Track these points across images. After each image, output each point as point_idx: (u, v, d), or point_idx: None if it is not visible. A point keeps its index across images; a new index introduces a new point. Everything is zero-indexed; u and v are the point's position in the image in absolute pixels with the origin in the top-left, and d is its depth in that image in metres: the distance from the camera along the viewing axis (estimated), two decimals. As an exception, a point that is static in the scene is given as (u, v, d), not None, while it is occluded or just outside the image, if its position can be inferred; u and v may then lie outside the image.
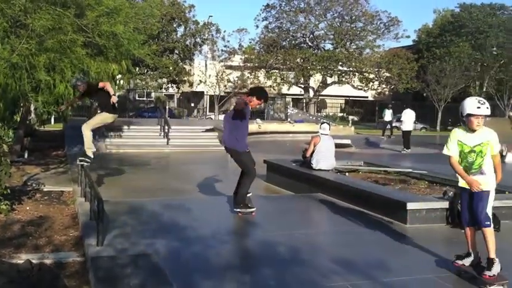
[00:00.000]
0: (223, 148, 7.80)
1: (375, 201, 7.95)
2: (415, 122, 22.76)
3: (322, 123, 10.76)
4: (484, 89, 43.39)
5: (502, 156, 18.12)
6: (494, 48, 43.00)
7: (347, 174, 11.18)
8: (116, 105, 9.23)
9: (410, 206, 7.22)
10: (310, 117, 34.01)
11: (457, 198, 7.25)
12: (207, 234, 6.44)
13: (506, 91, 41.55)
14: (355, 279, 4.88)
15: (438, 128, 41.88)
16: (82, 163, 8.85)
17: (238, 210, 7.37)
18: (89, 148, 9.13)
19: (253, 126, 25.77)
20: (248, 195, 7.52)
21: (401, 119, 21.51)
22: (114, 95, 9.14)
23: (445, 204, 7.35)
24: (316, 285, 4.75)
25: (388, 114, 27.86)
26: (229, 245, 6.08)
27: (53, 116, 22.24)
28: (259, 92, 7.71)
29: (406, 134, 21.15)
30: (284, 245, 6.03)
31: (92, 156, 9.17)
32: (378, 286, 4.74)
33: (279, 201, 9.37)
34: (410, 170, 11.28)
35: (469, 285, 4.90)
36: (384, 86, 46.57)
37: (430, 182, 10.24)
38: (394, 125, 29.27)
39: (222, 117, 43.69)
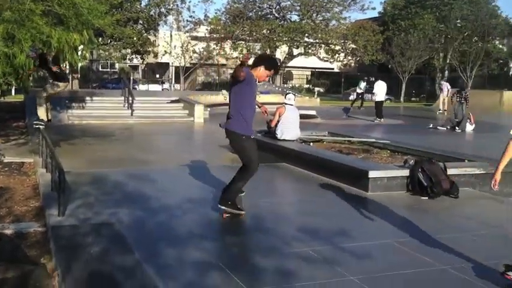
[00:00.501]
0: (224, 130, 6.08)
1: (338, 170, 8.06)
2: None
3: (287, 94, 10.78)
4: (448, 61, 43.98)
5: (459, 124, 18.66)
6: (459, 20, 43.47)
7: (311, 144, 11.27)
8: (64, 74, 10.18)
9: (372, 174, 7.34)
10: (276, 88, 34.00)
11: (417, 166, 7.43)
12: (171, 204, 6.44)
13: (469, 63, 42.19)
14: (317, 245, 4.96)
15: (402, 99, 42.43)
16: (37, 127, 9.42)
17: (223, 208, 5.87)
18: (42, 114, 10.11)
19: (219, 97, 25.71)
20: (241, 194, 6.23)
21: (374, 91, 22.20)
22: (54, 65, 10.13)
23: (405, 173, 7.49)
24: (279, 252, 4.81)
25: (362, 86, 28.43)
26: (194, 214, 6.08)
27: (14, 87, 21.72)
28: (268, 60, 6.23)
29: (379, 104, 21.87)
30: (248, 213, 6.06)
31: (46, 120, 10.00)
32: (339, 251, 4.84)
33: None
34: (373, 140, 11.44)
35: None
36: (349, 57, 46.76)
37: (392, 151, 10.42)
38: (355, 96, 29.94)
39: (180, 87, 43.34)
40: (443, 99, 27.86)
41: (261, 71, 5.95)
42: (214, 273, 4.22)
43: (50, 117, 10.74)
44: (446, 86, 28.63)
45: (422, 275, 4.38)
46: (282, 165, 9.37)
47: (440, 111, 27.38)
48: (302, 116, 11.25)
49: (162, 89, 42.46)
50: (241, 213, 5.91)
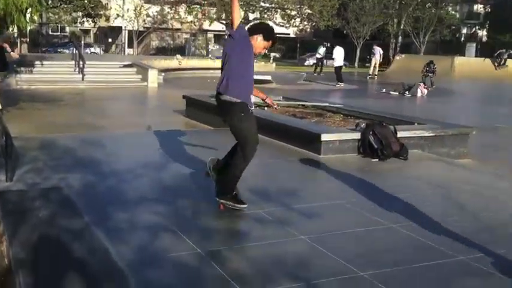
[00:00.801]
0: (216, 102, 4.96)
1: (292, 134, 8.11)
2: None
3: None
4: (402, 27, 44.49)
5: (410, 89, 19.16)
6: (413, -14, 43.87)
7: (265, 108, 11.27)
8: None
9: (324, 137, 7.41)
10: (232, 53, 33.76)
11: (368, 130, 7.54)
12: (123, 168, 6.36)
13: (422, 29, 42.82)
14: (269, 207, 5.01)
15: (356, 64, 42.82)
16: None
17: (222, 201, 4.89)
18: None
19: (173, 62, 25.36)
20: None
21: (333, 56, 23.15)
22: (13, 51, 10.02)
23: (357, 136, 7.60)
24: (231, 214, 4.84)
25: (322, 51, 28.78)
26: (146, 178, 6.02)
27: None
28: (266, 29, 5.13)
29: (338, 69, 22.91)
30: (200, 177, 6.04)
31: None
32: (290, 212, 4.90)
33: (197, 135, 9.36)
34: (326, 104, 11.53)
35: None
36: (305, 23, 46.62)
37: (345, 115, 10.52)
38: (315, 61, 30.23)
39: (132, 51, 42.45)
40: (375, 64, 28.58)
41: (258, 41, 4.92)
42: (166, 236, 4.21)
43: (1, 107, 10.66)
44: (378, 50, 29.32)
45: (371, 233, 4.49)
46: (236, 130, 9.34)
47: (371, 76, 28.07)
48: (257, 81, 11.15)
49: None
50: (244, 207, 4.88)
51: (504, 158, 9.26)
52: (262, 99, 5.58)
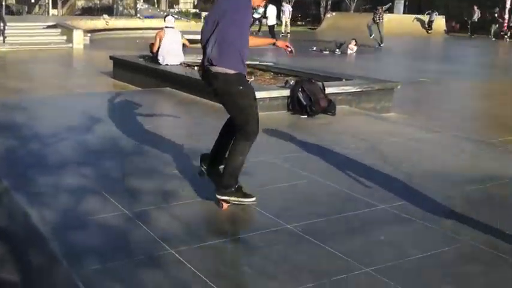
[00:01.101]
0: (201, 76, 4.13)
1: (221, 93, 8.04)
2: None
3: (166, 16, 10.48)
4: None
5: (341, 46, 19.44)
6: None
7: (196, 68, 11.13)
8: None
9: (254, 95, 7.39)
10: (161, 12, 32.97)
11: (297, 86, 7.59)
12: (45, 132, 6.14)
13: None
14: (197, 165, 4.96)
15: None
16: None
17: (225, 198, 3.96)
18: None
19: (100, 22, 24.50)
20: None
21: (267, 15, 23.81)
22: None
23: (286, 93, 7.65)
24: (158, 173, 4.79)
25: (260, 11, 28.81)
26: (70, 141, 5.84)
27: None
28: None
29: (272, 28, 23.94)
30: (128, 139, 5.95)
31: None
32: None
33: (126, 96, 9.11)
34: (257, 62, 11.48)
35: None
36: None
37: (275, 73, 10.55)
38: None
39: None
40: (286, 22, 29.06)
41: None
42: (91, 198, 4.12)
43: None
44: (288, 7, 29.74)
45: (299, 188, 4.57)
46: (165, 90, 9.20)
47: (283, 34, 28.43)
48: (190, 41, 11.08)
49: None
50: (252, 201, 3.98)
51: (427, 111, 9.59)
52: (272, 44, 4.46)
